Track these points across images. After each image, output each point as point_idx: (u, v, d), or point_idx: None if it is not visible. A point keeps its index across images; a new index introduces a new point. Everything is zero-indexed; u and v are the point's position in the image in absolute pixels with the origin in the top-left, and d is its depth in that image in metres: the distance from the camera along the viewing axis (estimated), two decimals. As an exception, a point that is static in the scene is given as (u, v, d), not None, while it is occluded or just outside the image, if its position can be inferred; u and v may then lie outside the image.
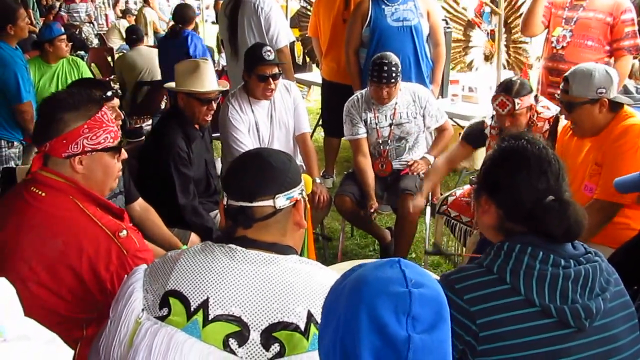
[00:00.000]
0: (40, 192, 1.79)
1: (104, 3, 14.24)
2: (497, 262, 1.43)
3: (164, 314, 1.38)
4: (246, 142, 3.51)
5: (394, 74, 3.53)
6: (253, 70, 3.49)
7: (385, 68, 3.52)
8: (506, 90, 3.03)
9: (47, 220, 1.77)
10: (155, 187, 3.00)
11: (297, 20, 7.37)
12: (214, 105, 3.22)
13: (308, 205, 1.61)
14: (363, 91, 3.81)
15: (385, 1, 4.31)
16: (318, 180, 3.67)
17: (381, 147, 3.77)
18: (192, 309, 1.35)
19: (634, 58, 4.28)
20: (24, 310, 1.10)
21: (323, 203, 3.61)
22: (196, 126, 3.23)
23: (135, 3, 13.97)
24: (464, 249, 3.40)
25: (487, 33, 6.17)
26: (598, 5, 3.85)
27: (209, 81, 3.19)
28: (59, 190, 1.80)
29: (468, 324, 1.39)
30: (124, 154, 1.97)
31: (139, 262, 1.72)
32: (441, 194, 4.00)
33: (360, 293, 0.99)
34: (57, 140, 1.79)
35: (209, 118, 3.23)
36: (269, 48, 3.51)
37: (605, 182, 2.53)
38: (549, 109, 3.20)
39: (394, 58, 3.56)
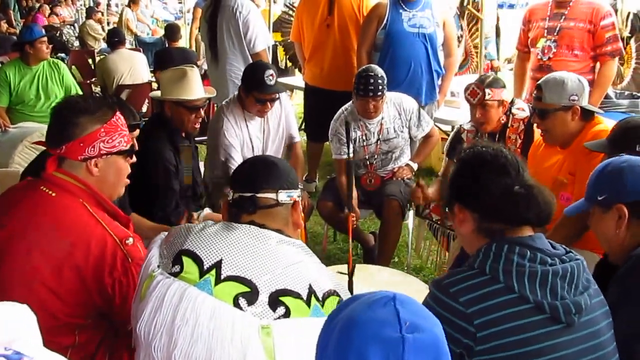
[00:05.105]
0: (50, 192, 1.79)
1: (84, 5, 14.14)
2: (487, 263, 1.45)
3: (177, 270, 1.47)
4: (236, 157, 3.45)
5: (380, 87, 3.46)
6: (251, 92, 3.43)
7: (372, 81, 3.44)
8: (478, 81, 3.16)
9: (56, 220, 1.77)
10: (136, 196, 2.94)
11: (279, 26, 7.38)
12: (202, 113, 3.18)
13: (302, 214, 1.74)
14: (348, 107, 3.73)
15: (404, 6, 4.26)
16: (300, 186, 3.66)
17: (368, 161, 3.76)
18: (205, 268, 1.45)
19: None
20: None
21: (305, 209, 3.60)
22: (182, 134, 3.18)
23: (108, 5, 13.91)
24: (447, 253, 3.42)
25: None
26: (578, 14, 3.87)
27: (196, 89, 3.14)
28: (70, 192, 1.80)
29: (465, 326, 1.40)
30: (134, 158, 1.99)
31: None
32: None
33: (349, 337, 0.92)
34: (74, 144, 1.80)
35: (198, 126, 3.19)
36: (271, 72, 3.41)
37: (579, 190, 2.54)
38: (523, 110, 3.24)
39: (379, 71, 3.51)
